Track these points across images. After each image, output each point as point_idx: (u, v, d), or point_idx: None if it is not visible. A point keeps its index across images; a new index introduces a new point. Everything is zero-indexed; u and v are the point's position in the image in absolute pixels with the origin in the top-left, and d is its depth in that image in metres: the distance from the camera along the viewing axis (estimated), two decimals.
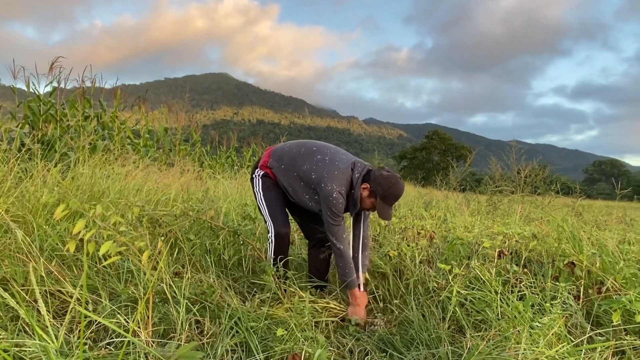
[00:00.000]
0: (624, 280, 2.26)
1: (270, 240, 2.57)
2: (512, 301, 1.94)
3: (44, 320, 1.69)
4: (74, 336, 1.67)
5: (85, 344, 1.69)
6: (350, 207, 2.47)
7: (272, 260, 2.54)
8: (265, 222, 2.63)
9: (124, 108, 7.75)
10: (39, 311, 1.87)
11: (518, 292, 2.14)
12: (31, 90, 6.12)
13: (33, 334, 1.67)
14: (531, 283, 2.30)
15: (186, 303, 1.92)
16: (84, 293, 0.69)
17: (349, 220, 2.77)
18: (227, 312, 1.99)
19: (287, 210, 2.71)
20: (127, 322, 1.76)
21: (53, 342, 0.66)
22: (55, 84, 6.29)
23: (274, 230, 2.56)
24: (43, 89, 6.26)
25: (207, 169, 7.75)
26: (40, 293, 1.99)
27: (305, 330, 1.82)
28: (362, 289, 2.48)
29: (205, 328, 1.89)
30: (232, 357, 1.74)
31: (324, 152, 2.53)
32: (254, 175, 2.70)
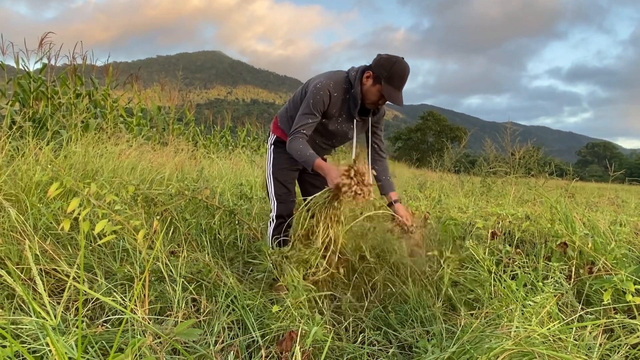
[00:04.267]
0: (615, 261, 2.30)
1: (271, 220, 2.53)
2: (504, 280, 1.96)
3: (41, 298, 1.70)
4: (70, 314, 1.68)
5: (82, 321, 1.70)
6: (351, 106, 2.32)
7: (270, 238, 2.50)
8: (269, 199, 2.57)
9: (116, 86, 7.63)
10: (34, 289, 1.87)
11: (511, 271, 2.17)
12: (21, 67, 6.00)
13: (30, 311, 1.67)
14: (524, 263, 2.33)
15: (182, 281, 1.93)
16: (81, 271, 0.68)
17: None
18: (223, 291, 2.00)
19: (294, 187, 2.62)
20: (123, 300, 1.77)
21: (51, 319, 0.66)
22: (45, 60, 6.16)
23: (276, 211, 2.50)
24: (33, 65, 6.13)
25: (201, 148, 7.70)
26: (36, 271, 1.99)
27: (302, 309, 1.83)
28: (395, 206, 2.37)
29: (202, 306, 1.91)
30: (228, 334, 1.76)
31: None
32: (268, 146, 2.63)
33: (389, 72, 2.16)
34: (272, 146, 2.58)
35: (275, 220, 2.50)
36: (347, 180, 2.03)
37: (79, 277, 1.96)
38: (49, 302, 1.68)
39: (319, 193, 2.20)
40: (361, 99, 2.30)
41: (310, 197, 2.23)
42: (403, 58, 2.20)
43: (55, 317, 0.73)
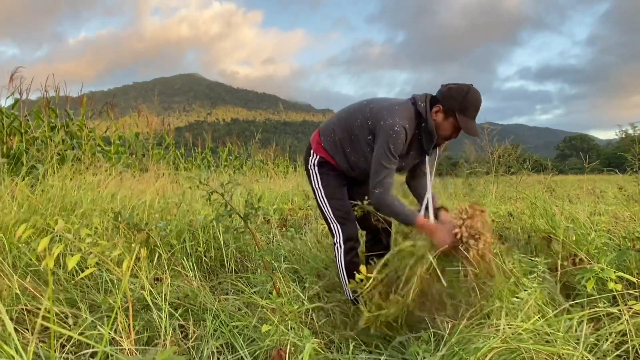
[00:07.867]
0: (596, 250, 2.34)
1: (338, 245, 2.29)
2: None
3: (23, 338, 1.65)
4: (53, 351, 1.63)
5: (66, 358, 1.65)
6: (426, 143, 2.14)
7: (343, 267, 2.27)
8: (329, 224, 2.35)
9: (92, 115, 7.55)
10: (16, 330, 1.82)
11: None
12: None
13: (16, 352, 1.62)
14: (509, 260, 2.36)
15: (168, 308, 1.90)
16: (50, 306, 0.67)
17: None
18: (211, 314, 1.98)
19: (350, 205, 2.38)
20: (109, 332, 1.73)
21: (21, 356, 0.64)
22: (17, 95, 6.08)
23: (342, 233, 2.29)
24: (4, 101, 6.06)
25: (182, 172, 7.64)
26: (16, 311, 1.93)
27: (293, 328, 1.82)
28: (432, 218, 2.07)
29: (190, 332, 1.88)
30: (218, 358, 1.73)
31: (375, 100, 2.21)
32: (309, 167, 2.40)
33: (462, 102, 1.98)
34: (316, 167, 2.38)
35: (343, 245, 2.28)
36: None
37: (62, 313, 1.91)
38: (28, 339, 1.63)
39: (406, 245, 1.97)
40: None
41: (401, 247, 1.97)
42: (472, 85, 2.03)
43: (27, 353, 0.71)
